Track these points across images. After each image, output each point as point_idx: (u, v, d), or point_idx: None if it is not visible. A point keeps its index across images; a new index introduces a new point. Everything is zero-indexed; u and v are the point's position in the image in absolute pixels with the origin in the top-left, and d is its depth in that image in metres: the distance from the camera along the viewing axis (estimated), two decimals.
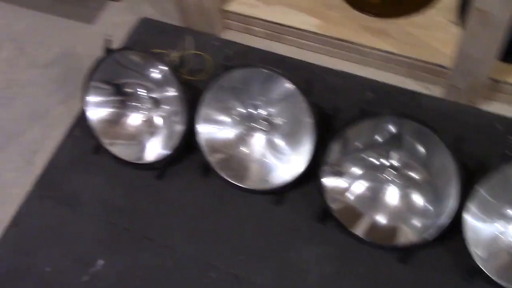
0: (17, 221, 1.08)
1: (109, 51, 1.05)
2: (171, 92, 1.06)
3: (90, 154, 1.12)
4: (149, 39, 1.24)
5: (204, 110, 1.01)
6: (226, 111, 1.02)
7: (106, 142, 1.09)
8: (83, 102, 1.07)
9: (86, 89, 1.07)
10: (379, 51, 1.11)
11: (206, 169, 1.04)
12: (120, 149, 1.08)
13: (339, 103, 1.09)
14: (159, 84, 1.08)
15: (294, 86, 0.95)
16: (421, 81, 1.14)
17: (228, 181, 1.01)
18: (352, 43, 1.12)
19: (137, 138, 1.09)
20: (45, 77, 1.27)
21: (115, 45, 1.27)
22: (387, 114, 0.90)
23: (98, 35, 1.32)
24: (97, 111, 1.09)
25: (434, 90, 1.13)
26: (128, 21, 1.32)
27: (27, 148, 1.17)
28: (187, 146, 1.04)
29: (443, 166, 0.87)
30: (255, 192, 1.01)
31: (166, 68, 1.03)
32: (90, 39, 1.32)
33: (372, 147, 0.95)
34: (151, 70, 1.07)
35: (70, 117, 1.19)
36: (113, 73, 1.07)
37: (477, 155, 0.97)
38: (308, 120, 0.95)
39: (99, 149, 1.11)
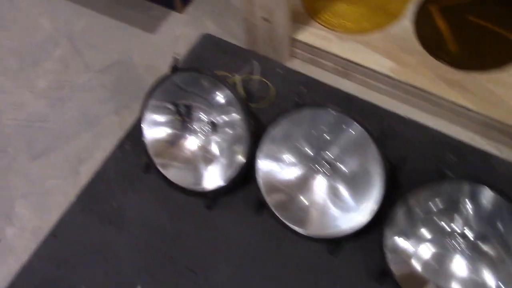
0: (56, 232, 1.06)
1: (174, 70, 1.01)
2: (234, 119, 1.03)
3: (139, 171, 1.09)
4: (210, 57, 1.22)
5: (267, 146, 0.99)
6: (291, 150, 1.00)
7: (158, 161, 1.06)
8: (141, 117, 1.04)
9: (145, 104, 1.03)
10: (453, 104, 1.08)
11: (261, 206, 1.01)
12: (172, 172, 1.06)
13: (404, 152, 1.04)
14: (222, 109, 1.05)
15: (366, 133, 0.91)
16: (492, 141, 1.09)
17: (283, 222, 0.97)
18: (425, 92, 1.09)
19: (192, 163, 1.06)
20: (99, 83, 1.26)
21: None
22: (465, 180, 0.85)
23: (157, 46, 1.32)
24: (153, 128, 1.07)
25: (506, 152, 1.08)
26: (189, 35, 1.30)
27: (74, 155, 1.15)
28: (243, 178, 1.00)
29: None
30: (311, 239, 0.98)
31: (230, 93, 1.00)
32: (148, 49, 1.31)
33: (444, 211, 0.90)
34: (214, 93, 1.05)
35: (121, 129, 1.17)
36: (175, 93, 1.05)
37: None
38: (377, 171, 0.92)
39: (149, 167, 1.08)
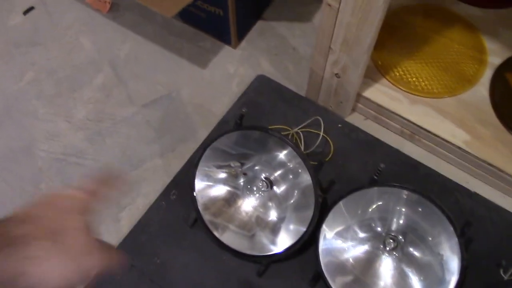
0: (95, 286, 0.97)
1: (239, 125, 0.93)
2: (298, 184, 0.98)
3: (185, 225, 1.02)
4: (267, 103, 1.17)
5: (333, 218, 0.91)
6: (364, 227, 0.95)
7: (207, 218, 1.01)
8: (195, 168, 0.96)
9: (201, 154, 0.95)
10: None
11: (317, 279, 0.94)
12: (223, 231, 0.99)
13: (473, 234, 0.99)
14: (281, 169, 1.00)
15: (448, 222, 0.86)
16: None
17: None
18: (499, 169, 1.04)
19: (247, 225, 1.02)
20: (143, 119, 1.20)
21: (225, 99, 1.18)
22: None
23: (208, 83, 1.28)
24: (205, 182, 1.01)
25: None
26: (243, 74, 1.26)
27: (114, 200, 1.05)
28: (302, 247, 0.94)
29: None
30: None
31: (292, 151, 0.94)
32: (198, 85, 1.27)
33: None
34: (279, 154, 0.99)
35: (166, 175, 1.11)
36: (234, 149, 0.99)
37: None
38: (455, 260, 0.85)
39: (197, 222, 1.01)
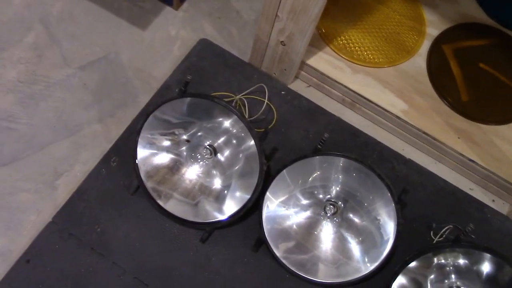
0: (29, 256, 1.00)
1: (183, 92, 0.94)
2: (243, 151, 1.01)
3: (127, 193, 1.02)
4: (210, 69, 1.18)
5: (276, 186, 0.96)
6: (306, 195, 0.99)
7: (150, 186, 1.02)
8: (137, 135, 0.96)
9: (143, 121, 0.96)
10: (459, 154, 1.12)
11: (260, 244, 0.98)
12: (166, 199, 1.02)
13: (405, 198, 1.06)
14: (226, 137, 1.01)
15: (386, 189, 0.93)
16: (490, 193, 1.16)
17: (287, 267, 0.95)
18: (432, 137, 1.13)
19: (190, 193, 1.03)
20: (79, 82, 1.17)
21: (167, 63, 1.17)
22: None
23: (149, 46, 1.27)
24: (147, 150, 1.02)
25: (500, 205, 1.14)
26: (185, 37, 1.25)
27: (50, 167, 1.07)
28: (245, 214, 0.98)
29: None
30: (318, 284, 0.98)
31: (238, 119, 0.96)
32: (138, 48, 1.24)
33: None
34: (224, 122, 1.02)
35: (106, 141, 1.11)
36: (176, 117, 1.00)
37: None
38: (390, 229, 0.93)
39: (138, 190, 1.02)
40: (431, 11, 1.27)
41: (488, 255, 0.92)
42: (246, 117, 1.08)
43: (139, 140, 1.02)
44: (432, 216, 1.11)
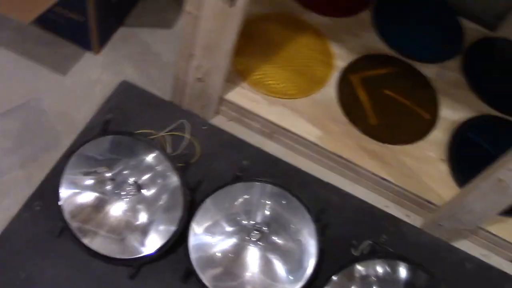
0: None
1: (104, 131, 0.97)
2: (166, 185, 1.04)
3: (51, 236, 1.03)
4: (132, 109, 1.22)
5: (202, 215, 1.00)
6: (226, 221, 1.03)
7: (75, 226, 1.03)
8: (61, 176, 0.97)
9: (65, 162, 0.98)
10: (372, 174, 1.21)
11: (189, 275, 1.01)
12: (92, 238, 1.02)
13: (326, 219, 1.13)
14: (149, 172, 1.06)
15: (305, 210, 0.98)
16: (404, 209, 1.24)
17: None
18: (348, 161, 1.21)
19: (115, 229, 1.05)
20: (0, 129, 1.15)
21: (89, 106, 1.20)
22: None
23: (70, 90, 1.30)
24: (71, 190, 1.03)
25: (414, 219, 1.23)
26: (106, 80, 1.29)
27: None
28: (172, 247, 1.00)
29: None
30: None
31: (159, 154, 1.00)
32: (59, 93, 1.26)
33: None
34: (146, 157, 1.05)
35: (28, 186, 1.11)
36: (101, 154, 1.03)
37: None
38: (312, 245, 0.98)
39: (64, 232, 1.02)
40: (338, 45, 1.38)
41: (403, 263, 0.99)
42: (169, 152, 1.13)
43: (62, 181, 1.03)
44: (352, 234, 1.16)
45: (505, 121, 1.08)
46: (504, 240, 1.21)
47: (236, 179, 1.03)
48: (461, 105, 1.35)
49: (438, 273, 1.06)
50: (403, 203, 1.26)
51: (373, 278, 1.04)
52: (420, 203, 1.23)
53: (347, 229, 1.18)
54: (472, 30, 1.49)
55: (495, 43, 1.49)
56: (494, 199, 1.04)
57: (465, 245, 1.26)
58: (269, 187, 1.04)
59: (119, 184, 1.07)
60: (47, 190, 1.12)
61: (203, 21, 0.99)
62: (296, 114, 1.25)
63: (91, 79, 1.29)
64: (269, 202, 1.06)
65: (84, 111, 1.24)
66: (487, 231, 1.21)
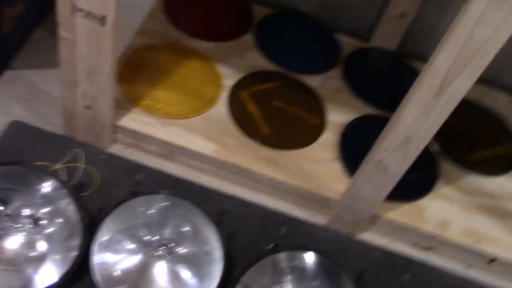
0: None
1: None
2: (63, 211, 1.05)
3: None
4: (24, 147, 1.22)
5: (102, 236, 1.02)
6: (128, 238, 1.05)
7: None
8: None
9: None
10: (270, 180, 1.27)
11: None
12: None
13: (232, 229, 1.16)
14: (47, 202, 1.07)
15: (204, 215, 1.01)
16: (308, 209, 1.29)
17: None
18: (245, 169, 1.27)
19: (15, 263, 1.02)
20: None
21: None
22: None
23: None
24: None
25: (319, 218, 1.28)
26: None
27: None
28: (77, 272, 0.99)
29: None
30: None
31: (56, 184, 1.02)
32: None
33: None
34: (38, 186, 1.06)
35: None
36: None
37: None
38: (218, 252, 1.01)
39: None
40: (225, 66, 1.44)
41: (306, 252, 1.06)
42: (65, 182, 1.11)
43: None
44: (259, 240, 1.19)
45: (385, 118, 1.18)
46: (402, 224, 1.28)
47: (132, 194, 1.04)
48: (346, 108, 1.46)
49: (345, 266, 1.13)
50: (306, 205, 1.30)
51: (283, 267, 1.07)
52: (321, 202, 1.28)
53: (253, 236, 1.22)
54: (348, 42, 1.62)
55: (369, 51, 1.62)
56: (379, 182, 1.12)
57: (370, 237, 1.32)
58: (167, 198, 1.06)
59: (14, 218, 1.04)
60: None
61: (78, 45, 1.03)
62: (191, 132, 1.29)
63: None
64: (170, 215, 1.08)
65: None
66: (385, 219, 1.28)
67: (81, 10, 0.97)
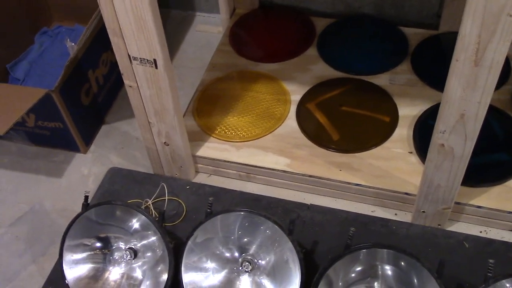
0: None
1: (86, 206, 1.10)
2: (152, 241, 1.14)
3: None
4: (121, 188, 1.35)
5: (188, 258, 1.09)
6: (211, 257, 1.11)
7: None
8: (61, 260, 1.10)
9: (62, 246, 1.10)
10: (347, 184, 1.27)
11: None
12: None
13: (315, 237, 1.18)
14: (139, 235, 1.17)
15: (276, 226, 1.04)
16: (389, 208, 1.27)
17: None
18: (320, 178, 1.28)
19: None
20: (12, 237, 1.34)
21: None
22: (367, 247, 1.03)
23: (67, 189, 1.44)
24: (74, 268, 1.16)
25: (403, 216, 1.25)
26: (96, 172, 1.43)
27: None
28: None
29: None
30: None
31: (144, 217, 1.10)
32: (58, 193, 1.43)
33: (355, 281, 1.02)
34: (129, 221, 1.17)
35: (42, 277, 1.23)
36: (90, 228, 1.16)
37: (457, 276, 1.12)
38: (294, 258, 1.03)
39: None
40: (291, 83, 1.50)
41: (383, 250, 1.02)
42: (155, 215, 1.24)
43: (64, 263, 1.15)
44: (342, 245, 1.16)
45: None
46: (495, 209, 1.21)
47: (206, 216, 1.11)
48: (418, 100, 1.42)
49: (436, 260, 1.08)
50: (387, 204, 1.29)
51: (367, 265, 1.05)
52: (401, 198, 1.27)
53: (337, 242, 1.21)
54: (416, 34, 1.59)
55: (438, 38, 1.57)
56: (448, 166, 1.07)
57: (461, 227, 1.27)
58: (242, 216, 1.12)
59: (112, 251, 1.17)
60: (58, 276, 1.20)
61: (141, 90, 1.15)
62: (262, 150, 1.36)
63: (84, 174, 1.46)
64: (249, 229, 1.12)
65: (81, 203, 1.39)
66: (473, 206, 1.22)
67: (135, 58, 1.10)
